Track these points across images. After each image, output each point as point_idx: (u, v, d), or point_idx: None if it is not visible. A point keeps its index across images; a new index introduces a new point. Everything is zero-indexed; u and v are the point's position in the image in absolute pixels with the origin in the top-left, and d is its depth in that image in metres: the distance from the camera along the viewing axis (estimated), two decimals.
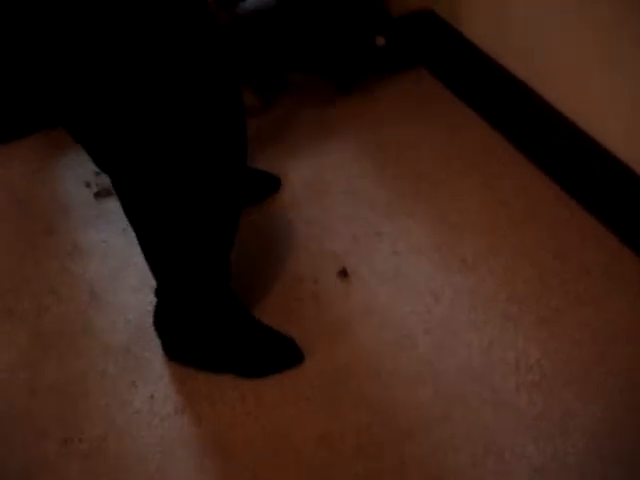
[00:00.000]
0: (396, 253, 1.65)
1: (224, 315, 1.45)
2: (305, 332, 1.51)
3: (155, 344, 1.50)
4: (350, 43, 2.05)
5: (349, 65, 2.07)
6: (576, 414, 1.36)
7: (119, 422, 1.40)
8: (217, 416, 1.40)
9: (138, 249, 1.36)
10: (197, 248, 1.32)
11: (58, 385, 1.46)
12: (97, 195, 1.79)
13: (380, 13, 2.04)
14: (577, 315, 1.52)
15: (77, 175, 1.85)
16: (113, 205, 1.73)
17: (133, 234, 1.33)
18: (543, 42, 1.71)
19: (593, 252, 1.62)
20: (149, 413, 1.41)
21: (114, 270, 1.66)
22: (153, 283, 1.42)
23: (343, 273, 1.61)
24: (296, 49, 1.97)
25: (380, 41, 2.03)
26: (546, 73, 1.74)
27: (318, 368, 1.46)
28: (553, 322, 1.51)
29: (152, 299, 1.46)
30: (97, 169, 1.36)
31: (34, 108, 1.93)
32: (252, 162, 1.85)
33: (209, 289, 1.41)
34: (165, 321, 1.46)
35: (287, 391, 1.42)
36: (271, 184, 1.82)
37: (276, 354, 1.49)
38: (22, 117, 1.97)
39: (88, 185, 1.82)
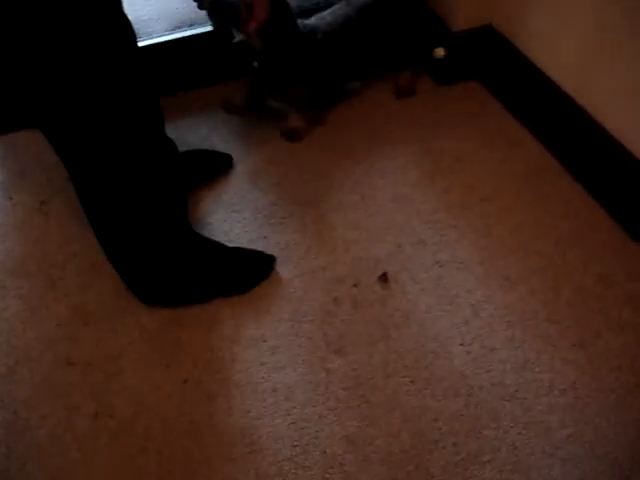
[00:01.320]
0: (439, 263, 1.65)
1: (189, 246, 1.55)
2: (341, 333, 1.52)
3: (193, 330, 1.51)
4: (409, 53, 2.07)
5: (406, 74, 2.09)
6: (607, 441, 1.35)
7: (149, 404, 1.41)
8: (249, 407, 1.41)
9: None
10: (135, 190, 1.40)
11: (94, 361, 1.47)
12: None
13: (438, 27, 2.04)
14: (617, 342, 1.51)
15: None
16: None
17: None
18: (600, 62, 1.70)
19: (638, 280, 1.61)
20: (180, 398, 1.42)
21: None
22: None
23: (384, 279, 1.61)
24: (359, 61, 1.99)
25: (440, 53, 2.04)
26: (601, 94, 1.73)
27: (351, 370, 1.46)
28: (592, 346, 1.50)
29: None
30: None
31: None
32: (306, 162, 1.87)
33: (168, 226, 1.50)
34: (136, 271, 1.53)
35: (319, 390, 1.43)
36: (223, 162, 1.87)
37: (250, 266, 1.61)
38: None
39: None
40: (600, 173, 1.77)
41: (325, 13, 1.89)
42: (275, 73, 1.84)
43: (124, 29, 1.24)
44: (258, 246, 1.66)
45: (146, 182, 1.40)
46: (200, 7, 1.55)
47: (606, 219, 1.74)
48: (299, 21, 1.80)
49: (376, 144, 1.95)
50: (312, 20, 1.87)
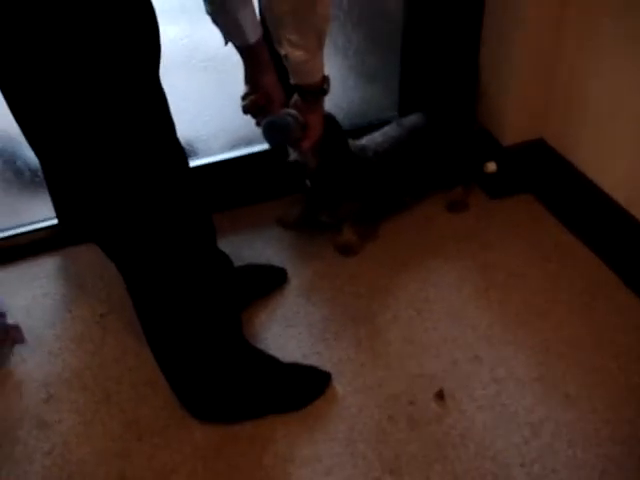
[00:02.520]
0: (496, 380, 1.62)
1: (245, 362, 1.55)
2: (396, 453, 1.48)
3: (246, 448, 1.50)
4: (461, 170, 2.10)
5: (459, 189, 2.12)
6: None
7: None
8: None
9: None
10: (193, 309, 1.41)
11: (146, 477, 1.46)
12: None
13: (489, 141, 2.08)
14: None
15: None
16: None
17: None
18: None
19: None
20: None
21: None
22: None
23: (440, 396, 1.59)
24: (411, 178, 2.04)
25: (491, 167, 2.07)
26: None
27: None
28: None
29: None
30: None
31: None
32: (360, 277, 1.88)
33: (222, 340, 1.49)
34: (190, 387, 1.53)
35: None
36: (278, 276, 1.89)
37: (305, 383, 1.60)
38: None
39: None
40: None
41: (376, 134, 1.96)
42: (328, 190, 1.88)
43: (176, 153, 1.28)
44: (312, 361, 1.66)
45: (200, 296, 1.42)
46: (258, 125, 1.61)
47: None
48: (350, 141, 1.86)
49: (430, 258, 1.95)
50: (363, 140, 1.93)
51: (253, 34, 1.43)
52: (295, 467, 1.47)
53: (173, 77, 1.87)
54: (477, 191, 2.17)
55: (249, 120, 1.63)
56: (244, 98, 1.57)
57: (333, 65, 2.07)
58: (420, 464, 1.46)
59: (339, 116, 1.99)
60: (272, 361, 1.59)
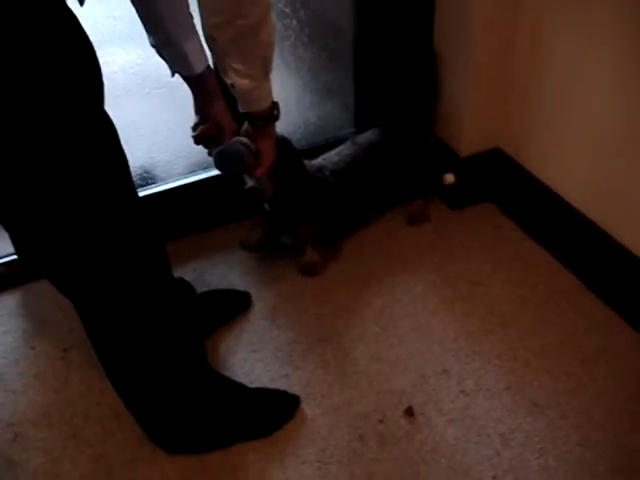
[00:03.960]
0: (464, 392, 1.62)
1: (211, 390, 1.52)
2: (369, 472, 1.47)
3: (218, 477, 1.48)
4: (419, 183, 2.11)
5: (418, 202, 2.12)
6: None
7: None
8: None
9: None
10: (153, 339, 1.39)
11: None
12: None
13: (447, 154, 2.09)
14: None
15: None
16: None
17: None
18: (608, 178, 1.72)
19: None
20: None
21: None
22: None
23: (409, 412, 1.58)
24: (370, 195, 2.04)
25: (449, 179, 2.08)
26: (611, 209, 1.74)
27: None
28: (630, 470, 1.44)
29: None
30: None
31: None
32: (324, 296, 1.87)
33: (185, 370, 1.47)
34: (156, 419, 1.51)
35: None
36: (242, 301, 1.88)
37: (274, 408, 1.59)
38: None
39: None
40: (620, 288, 1.76)
41: (332, 153, 1.96)
42: (287, 214, 1.88)
43: (127, 186, 1.25)
44: (280, 385, 1.64)
45: (159, 327, 1.39)
46: (210, 155, 1.60)
47: (631, 334, 1.72)
48: (306, 162, 1.86)
49: (393, 273, 1.95)
50: (319, 160, 1.92)
51: (199, 64, 1.43)
52: None
53: (127, 104, 1.87)
54: (437, 203, 2.18)
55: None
56: (194, 128, 1.56)
57: (287, 84, 2.07)
58: None
59: (296, 135, 1.99)
60: (239, 387, 1.58)
